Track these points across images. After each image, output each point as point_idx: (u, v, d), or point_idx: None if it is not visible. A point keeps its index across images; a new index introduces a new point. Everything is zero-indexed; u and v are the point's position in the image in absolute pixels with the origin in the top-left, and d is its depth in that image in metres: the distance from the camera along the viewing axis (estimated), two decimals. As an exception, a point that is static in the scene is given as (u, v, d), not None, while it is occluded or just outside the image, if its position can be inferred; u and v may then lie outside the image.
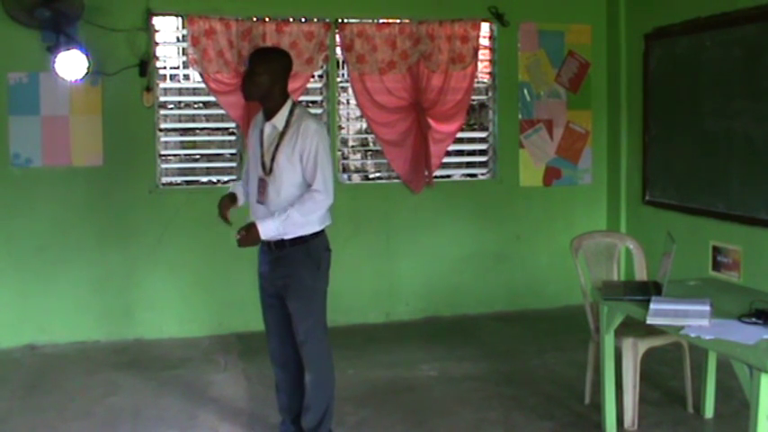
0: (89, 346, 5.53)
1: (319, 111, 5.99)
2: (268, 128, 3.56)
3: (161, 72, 5.90)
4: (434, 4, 6.06)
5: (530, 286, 6.39)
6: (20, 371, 5.03)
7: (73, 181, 5.56)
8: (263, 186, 3.55)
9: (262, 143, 3.57)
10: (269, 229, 3.44)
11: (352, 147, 6.66)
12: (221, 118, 5.90)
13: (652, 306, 3.42)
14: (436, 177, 6.16)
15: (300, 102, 5.88)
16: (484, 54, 6.29)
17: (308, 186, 3.49)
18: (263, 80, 3.46)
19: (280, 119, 3.52)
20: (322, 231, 3.60)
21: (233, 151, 5.90)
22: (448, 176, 6.35)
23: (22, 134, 5.42)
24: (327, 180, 3.48)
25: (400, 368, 5.01)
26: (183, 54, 6.54)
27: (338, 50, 5.96)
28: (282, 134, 3.50)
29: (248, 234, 3.44)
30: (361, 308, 6.05)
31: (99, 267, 5.62)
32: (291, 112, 3.52)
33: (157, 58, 5.74)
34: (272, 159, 3.50)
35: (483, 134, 6.42)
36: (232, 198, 3.75)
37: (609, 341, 3.86)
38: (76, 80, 5.32)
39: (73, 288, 5.58)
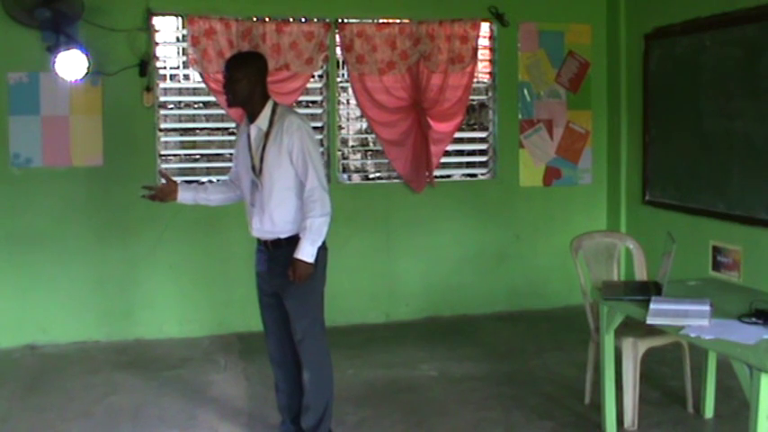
0: (89, 346, 5.53)
1: (319, 111, 5.99)
2: (254, 130, 3.58)
3: (161, 72, 5.90)
4: (434, 4, 6.05)
5: (530, 286, 6.39)
6: (20, 371, 5.03)
7: (73, 181, 5.56)
8: (254, 188, 3.58)
9: (250, 147, 3.60)
10: (307, 251, 3.43)
11: (352, 147, 6.65)
12: (221, 118, 5.90)
13: (652, 306, 3.42)
14: (436, 177, 6.16)
15: (300, 102, 5.91)
16: (484, 54, 6.28)
17: (300, 184, 3.50)
18: (243, 85, 3.49)
19: (263, 120, 3.54)
20: None
21: (233, 151, 5.88)
22: (448, 176, 6.35)
23: (22, 134, 5.43)
24: (320, 174, 3.50)
25: (400, 368, 5.01)
26: (183, 54, 6.54)
27: (338, 50, 5.95)
28: (267, 134, 3.52)
29: (297, 271, 3.43)
30: (361, 308, 6.05)
31: (99, 267, 5.62)
32: (274, 112, 3.55)
33: (157, 58, 5.74)
34: (261, 160, 3.53)
35: (483, 134, 6.41)
36: (174, 189, 3.80)
37: (609, 341, 3.85)
38: (76, 80, 5.33)
39: (73, 288, 5.58)
